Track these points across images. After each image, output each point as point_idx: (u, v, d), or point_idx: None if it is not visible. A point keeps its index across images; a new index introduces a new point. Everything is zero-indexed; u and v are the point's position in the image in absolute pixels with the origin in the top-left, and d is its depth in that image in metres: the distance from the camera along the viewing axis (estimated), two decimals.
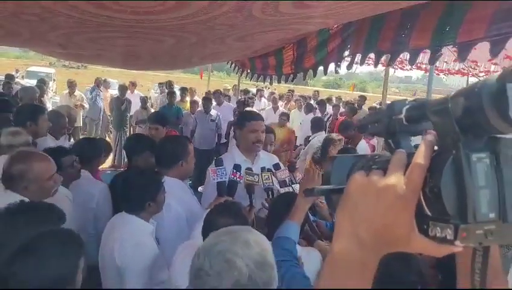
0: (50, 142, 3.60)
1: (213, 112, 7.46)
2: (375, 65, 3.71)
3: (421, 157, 0.51)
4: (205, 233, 1.80)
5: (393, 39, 3.09)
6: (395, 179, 0.52)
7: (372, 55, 3.52)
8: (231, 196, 2.42)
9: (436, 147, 0.52)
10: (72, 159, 2.69)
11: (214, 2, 1.99)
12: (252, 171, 2.55)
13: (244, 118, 2.85)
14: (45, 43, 3.25)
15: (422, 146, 0.52)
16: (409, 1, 2.41)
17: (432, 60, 2.86)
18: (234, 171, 2.46)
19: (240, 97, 8.97)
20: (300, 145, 7.35)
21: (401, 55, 3.31)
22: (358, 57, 3.76)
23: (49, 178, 2.06)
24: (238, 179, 2.45)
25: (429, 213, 0.50)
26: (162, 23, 2.41)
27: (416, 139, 0.59)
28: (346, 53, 3.91)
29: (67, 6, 1.94)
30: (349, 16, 2.70)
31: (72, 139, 8.24)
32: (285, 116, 6.89)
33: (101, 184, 2.90)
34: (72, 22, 2.16)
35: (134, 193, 2.13)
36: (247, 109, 6.80)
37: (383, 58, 3.60)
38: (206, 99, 7.58)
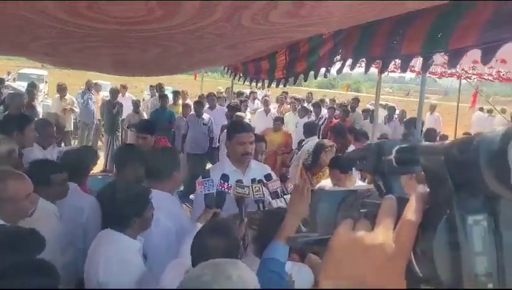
0: (37, 152, 3.53)
1: (205, 116, 7.39)
2: (366, 71, 3.68)
3: (411, 213, 0.46)
4: (194, 253, 1.76)
5: (385, 45, 3.06)
6: (384, 237, 0.47)
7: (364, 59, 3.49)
8: (219, 207, 2.37)
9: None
10: (63, 177, 2.61)
11: (202, 10, 1.94)
12: (242, 183, 2.51)
13: (232, 129, 2.82)
14: (28, 52, 3.18)
15: (413, 200, 0.47)
16: (407, 6, 2.37)
17: (424, 68, 2.83)
18: (222, 181, 2.42)
19: (232, 100, 8.90)
20: (295, 149, 7.31)
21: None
22: (349, 61, 3.74)
23: (25, 198, 1.98)
24: (226, 190, 2.41)
25: (420, 274, 0.46)
26: (149, 33, 2.35)
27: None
28: (337, 58, 3.88)
29: (48, 18, 1.88)
30: (341, 24, 2.66)
31: (62, 145, 8.19)
32: (279, 121, 6.87)
33: (90, 197, 2.82)
34: (54, 33, 2.10)
35: (119, 209, 2.07)
36: (238, 114, 6.76)
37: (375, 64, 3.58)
38: (198, 103, 7.52)
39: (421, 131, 6.42)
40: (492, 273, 0.41)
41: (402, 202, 0.49)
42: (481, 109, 14.00)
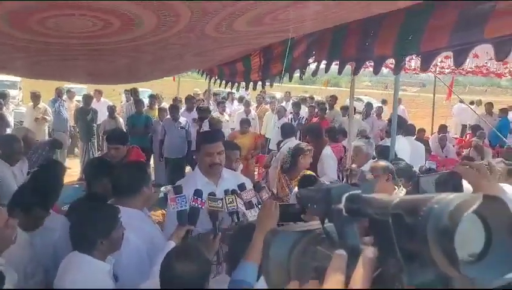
0: (4, 168, 3.39)
1: (182, 119, 7.29)
2: (339, 72, 3.66)
3: (358, 282, 0.44)
4: (162, 277, 1.69)
5: (358, 47, 3.04)
6: None
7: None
8: (193, 224, 2.29)
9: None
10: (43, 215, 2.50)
11: (162, 22, 1.87)
12: (215, 195, 2.43)
13: (200, 140, 2.74)
14: None
15: (360, 266, 0.44)
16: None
17: (397, 70, 2.83)
18: (195, 197, 2.34)
19: (202, 102, 8.77)
20: (275, 150, 7.28)
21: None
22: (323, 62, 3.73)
23: (4, 226, 1.88)
24: (199, 206, 2.33)
25: None
26: (112, 45, 2.27)
27: None
28: (311, 60, 3.86)
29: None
30: (307, 29, 2.62)
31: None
32: (246, 124, 6.82)
33: (62, 218, 2.73)
34: (6, 49, 2.00)
35: (84, 230, 1.99)
36: (215, 116, 6.67)
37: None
38: (173, 107, 7.40)
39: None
40: None
41: (355, 253, 0.46)
42: (462, 101, 14.23)
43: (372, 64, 3.14)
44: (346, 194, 0.50)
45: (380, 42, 2.81)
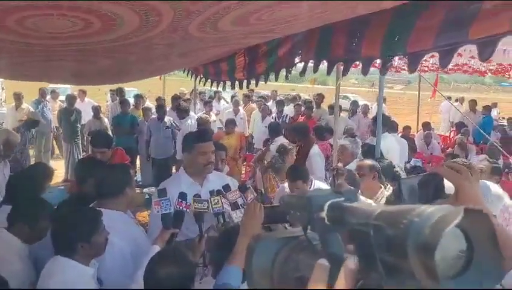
0: None
1: (167, 119, 7.23)
2: (328, 72, 3.66)
3: None
4: (146, 282, 1.67)
5: (346, 47, 3.02)
6: None
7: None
8: (178, 227, 2.27)
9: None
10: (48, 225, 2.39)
11: (144, 23, 1.84)
12: (200, 197, 2.41)
13: (192, 139, 2.70)
14: None
15: (342, 278, 0.44)
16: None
17: (383, 70, 2.82)
18: (180, 200, 2.31)
19: (182, 102, 8.71)
20: (262, 148, 7.27)
21: None
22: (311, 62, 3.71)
23: None
24: (184, 209, 2.31)
25: None
26: (93, 45, 2.23)
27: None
28: (297, 60, 3.84)
29: None
30: (293, 30, 2.61)
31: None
32: (232, 124, 6.80)
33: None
34: None
35: (64, 234, 1.96)
36: (203, 116, 6.63)
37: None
38: (160, 107, 7.33)
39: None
40: None
41: (337, 261, 0.46)
42: (449, 98, 14.42)
43: (360, 64, 3.13)
44: (329, 203, 0.49)
45: (367, 42, 2.80)
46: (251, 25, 2.13)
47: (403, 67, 7.67)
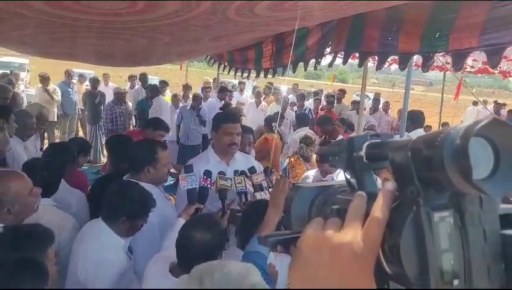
0: (16, 144, 3.44)
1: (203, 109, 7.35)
2: (360, 65, 3.66)
3: (378, 211, 0.46)
4: (179, 247, 1.75)
5: (380, 41, 3.01)
6: (352, 235, 0.47)
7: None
8: (202, 203, 2.36)
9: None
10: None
11: (186, 3, 1.92)
12: (225, 175, 2.49)
13: (219, 119, 2.78)
14: (6, 42, 3.09)
15: (380, 197, 0.47)
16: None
17: (425, 67, 2.82)
18: (205, 177, 2.40)
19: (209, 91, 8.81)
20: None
21: None
22: (341, 54, 3.70)
23: (29, 193, 1.95)
24: (208, 186, 2.39)
25: (389, 271, 0.46)
26: (134, 24, 2.32)
27: None
28: (328, 50, 3.84)
29: (31, 10, 1.84)
30: (327, 17, 2.65)
31: (46, 134, 8.04)
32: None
33: (78, 193, 2.78)
34: (34, 23, 2.05)
35: (114, 203, 2.06)
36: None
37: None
38: (196, 97, 7.41)
39: None
40: (459, 270, 0.42)
41: (374, 198, 0.48)
42: (475, 103, 14.10)
43: (398, 59, 3.11)
44: (367, 143, 0.53)
45: (404, 37, 2.79)
46: (288, 11, 2.18)
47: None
